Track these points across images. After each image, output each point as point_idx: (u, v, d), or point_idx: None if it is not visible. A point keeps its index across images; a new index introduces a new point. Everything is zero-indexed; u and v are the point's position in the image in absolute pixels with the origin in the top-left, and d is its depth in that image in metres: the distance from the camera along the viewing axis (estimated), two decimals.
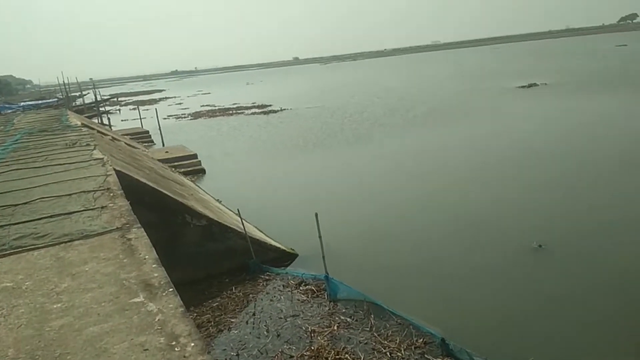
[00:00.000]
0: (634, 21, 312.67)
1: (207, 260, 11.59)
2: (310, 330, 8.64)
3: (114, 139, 21.52)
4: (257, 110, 49.77)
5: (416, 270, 11.13)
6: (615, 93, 35.10)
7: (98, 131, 20.92)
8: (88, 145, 14.00)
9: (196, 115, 50.23)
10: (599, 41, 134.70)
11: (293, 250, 12.66)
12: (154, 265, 5.07)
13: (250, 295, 10.45)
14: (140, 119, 41.39)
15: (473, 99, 39.74)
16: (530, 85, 44.44)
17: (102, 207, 7.34)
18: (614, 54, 77.39)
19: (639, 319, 8.45)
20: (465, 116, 31.53)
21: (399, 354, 7.70)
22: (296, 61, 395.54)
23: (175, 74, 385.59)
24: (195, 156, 24.30)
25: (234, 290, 10.78)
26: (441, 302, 9.66)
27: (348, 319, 8.87)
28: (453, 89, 49.29)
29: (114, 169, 10.24)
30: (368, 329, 8.50)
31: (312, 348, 8.02)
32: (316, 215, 9.74)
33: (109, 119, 40.66)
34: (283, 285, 10.74)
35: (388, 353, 7.74)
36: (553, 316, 8.71)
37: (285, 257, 12.38)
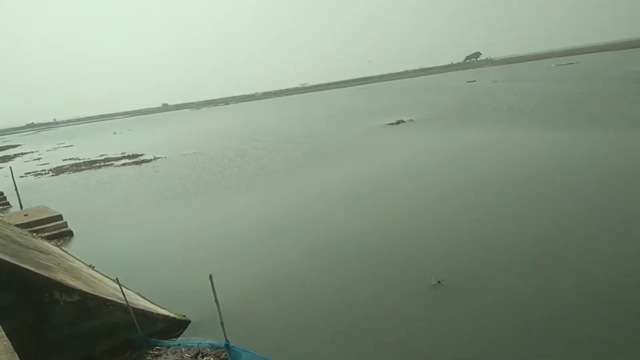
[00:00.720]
0: (478, 59, 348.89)
1: (83, 341, 9.93)
2: None
3: None
4: (127, 160, 46.90)
5: (319, 322, 10.51)
6: (473, 124, 38.02)
7: None
8: None
9: (58, 171, 46.04)
10: (451, 78, 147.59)
11: (184, 316, 11.35)
12: None
13: None
14: None
15: (349, 138, 40.77)
16: (398, 122, 46.67)
17: None
18: (466, 89, 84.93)
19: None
20: (344, 154, 32.14)
21: None
22: (165, 107, 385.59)
23: (31, 127, 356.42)
24: (60, 217, 21.72)
25: None
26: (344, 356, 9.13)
27: None
28: (328, 130, 50.40)
29: None
30: None
31: None
32: (210, 277, 8.68)
33: None
34: None
35: None
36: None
37: (177, 326, 11.04)
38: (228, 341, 8.74)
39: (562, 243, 12.69)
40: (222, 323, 8.75)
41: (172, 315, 11.27)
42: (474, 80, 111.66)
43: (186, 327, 11.06)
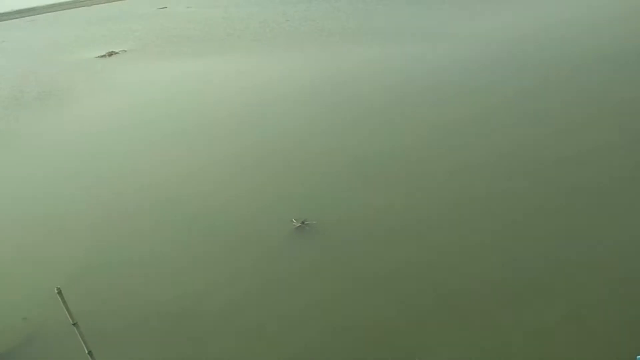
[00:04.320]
0: None
1: None
2: None
3: None
4: None
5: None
6: (183, 49, 37.26)
7: None
8: None
9: None
10: (138, 6, 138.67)
11: None
12: None
13: None
14: None
15: (64, 77, 35.39)
16: (110, 54, 42.43)
17: None
18: (161, 15, 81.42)
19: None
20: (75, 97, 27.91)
21: None
22: None
23: None
24: None
25: None
26: None
27: None
28: (32, 69, 42.61)
29: None
30: None
31: None
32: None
33: None
34: None
35: None
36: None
37: None
38: None
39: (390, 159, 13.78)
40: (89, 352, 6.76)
41: None
42: (166, 7, 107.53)
43: None
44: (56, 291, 6.33)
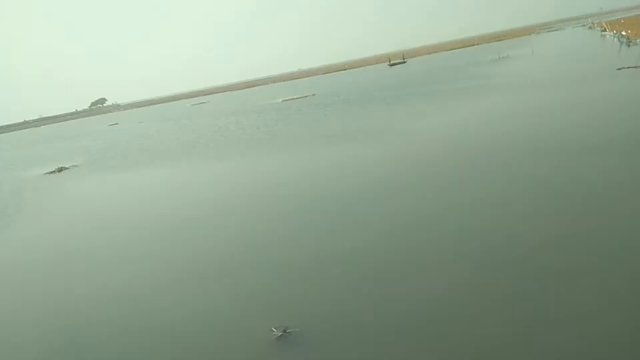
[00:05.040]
0: (104, 104, 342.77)
1: None
2: None
3: None
4: None
5: None
6: (137, 162, 36.86)
7: None
8: None
9: None
10: (88, 124, 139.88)
11: None
12: None
13: None
14: None
15: (10, 194, 33.84)
16: (60, 170, 41.49)
17: None
18: (114, 131, 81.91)
19: None
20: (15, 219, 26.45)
21: None
22: None
23: None
24: None
25: None
26: None
27: None
28: None
29: None
30: None
31: None
32: None
33: None
34: None
35: None
36: None
37: None
38: None
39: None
40: None
41: None
42: (117, 123, 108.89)
43: None
44: None
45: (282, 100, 79.76)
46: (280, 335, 9.08)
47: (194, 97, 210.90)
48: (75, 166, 42.56)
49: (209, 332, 9.92)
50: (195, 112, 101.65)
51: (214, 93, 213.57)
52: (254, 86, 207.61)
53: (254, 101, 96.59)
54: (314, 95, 78.57)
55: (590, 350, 7.38)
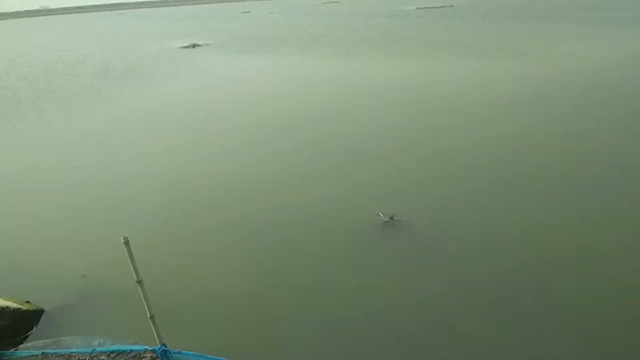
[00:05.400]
0: None
1: None
2: None
3: None
4: None
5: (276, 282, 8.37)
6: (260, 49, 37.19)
7: None
8: None
9: None
10: (223, 8, 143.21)
11: (35, 305, 7.68)
12: None
13: None
14: None
15: (148, 60, 36.08)
16: (193, 46, 43.25)
17: None
18: (246, 18, 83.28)
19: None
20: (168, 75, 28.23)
21: None
22: None
23: None
24: None
25: None
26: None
27: None
28: (122, 53, 44.00)
29: None
30: None
31: None
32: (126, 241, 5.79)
33: None
34: None
35: None
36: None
37: (24, 322, 7.33)
38: (164, 344, 5.98)
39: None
40: (151, 317, 5.81)
41: (13, 304, 7.48)
42: (249, 12, 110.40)
43: (39, 320, 7.49)
44: (123, 241, 5.51)
45: (416, 8, 75.73)
46: (387, 221, 9.01)
47: None
48: (207, 44, 44.09)
49: (321, 216, 9.99)
50: (327, 9, 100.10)
51: None
52: None
53: (387, 5, 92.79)
54: (451, 6, 73.66)
55: None
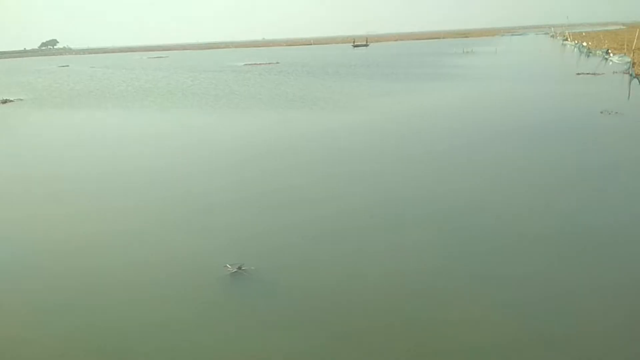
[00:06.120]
0: (55, 47, 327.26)
1: None
2: None
3: None
4: None
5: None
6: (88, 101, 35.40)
7: None
8: None
9: None
10: (36, 64, 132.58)
11: None
12: None
13: None
14: None
15: None
16: (4, 102, 39.23)
17: None
18: (64, 72, 77.99)
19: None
20: None
21: None
22: None
23: None
24: None
25: None
26: None
27: None
28: None
29: None
30: None
31: None
32: None
33: None
34: None
35: None
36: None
37: None
38: None
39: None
40: None
41: None
42: (67, 65, 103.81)
43: None
44: None
45: (244, 64, 78.02)
46: (235, 272, 8.77)
47: (152, 50, 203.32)
48: (21, 100, 40.29)
49: (160, 266, 9.48)
50: (152, 63, 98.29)
51: (173, 49, 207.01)
52: (215, 48, 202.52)
53: (214, 61, 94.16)
54: (277, 63, 77.24)
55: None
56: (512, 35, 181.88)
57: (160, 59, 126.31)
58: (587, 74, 37.91)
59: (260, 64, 77.26)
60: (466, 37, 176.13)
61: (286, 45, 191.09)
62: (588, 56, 57.08)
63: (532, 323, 7.10)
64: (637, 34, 44.09)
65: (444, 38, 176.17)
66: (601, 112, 21.52)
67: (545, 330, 6.93)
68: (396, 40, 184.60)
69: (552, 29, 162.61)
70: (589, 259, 8.96)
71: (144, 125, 26.71)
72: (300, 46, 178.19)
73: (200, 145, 20.00)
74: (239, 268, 8.84)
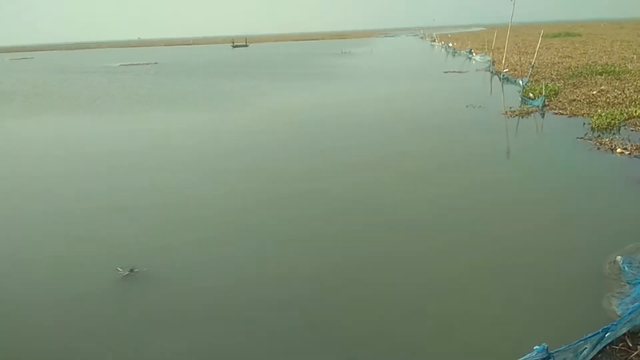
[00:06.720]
0: None
1: None
2: None
3: None
4: None
5: None
6: None
7: None
8: None
9: None
10: None
11: None
12: None
13: None
14: None
15: None
16: None
17: None
18: None
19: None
20: None
21: None
22: None
23: None
24: None
25: None
26: None
27: None
28: None
29: None
30: None
31: None
32: None
33: None
34: None
35: None
36: None
37: None
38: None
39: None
40: None
41: None
42: None
43: None
44: None
45: (120, 65, 74.31)
46: (127, 274, 8.53)
47: (15, 52, 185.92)
48: None
49: (50, 271, 8.97)
50: (15, 66, 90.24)
51: (39, 50, 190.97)
52: (85, 48, 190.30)
53: (87, 63, 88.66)
54: (156, 63, 74.52)
55: None
56: (386, 36, 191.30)
57: (24, 60, 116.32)
58: (454, 72, 41.10)
59: (137, 64, 74.06)
60: (344, 38, 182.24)
61: (164, 45, 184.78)
62: (454, 56, 61.81)
63: None
64: (495, 35, 48.41)
65: (322, 39, 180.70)
66: (467, 106, 23.46)
67: None
68: (276, 41, 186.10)
69: (422, 31, 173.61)
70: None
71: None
72: (180, 46, 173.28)
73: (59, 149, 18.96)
74: (131, 270, 8.62)
